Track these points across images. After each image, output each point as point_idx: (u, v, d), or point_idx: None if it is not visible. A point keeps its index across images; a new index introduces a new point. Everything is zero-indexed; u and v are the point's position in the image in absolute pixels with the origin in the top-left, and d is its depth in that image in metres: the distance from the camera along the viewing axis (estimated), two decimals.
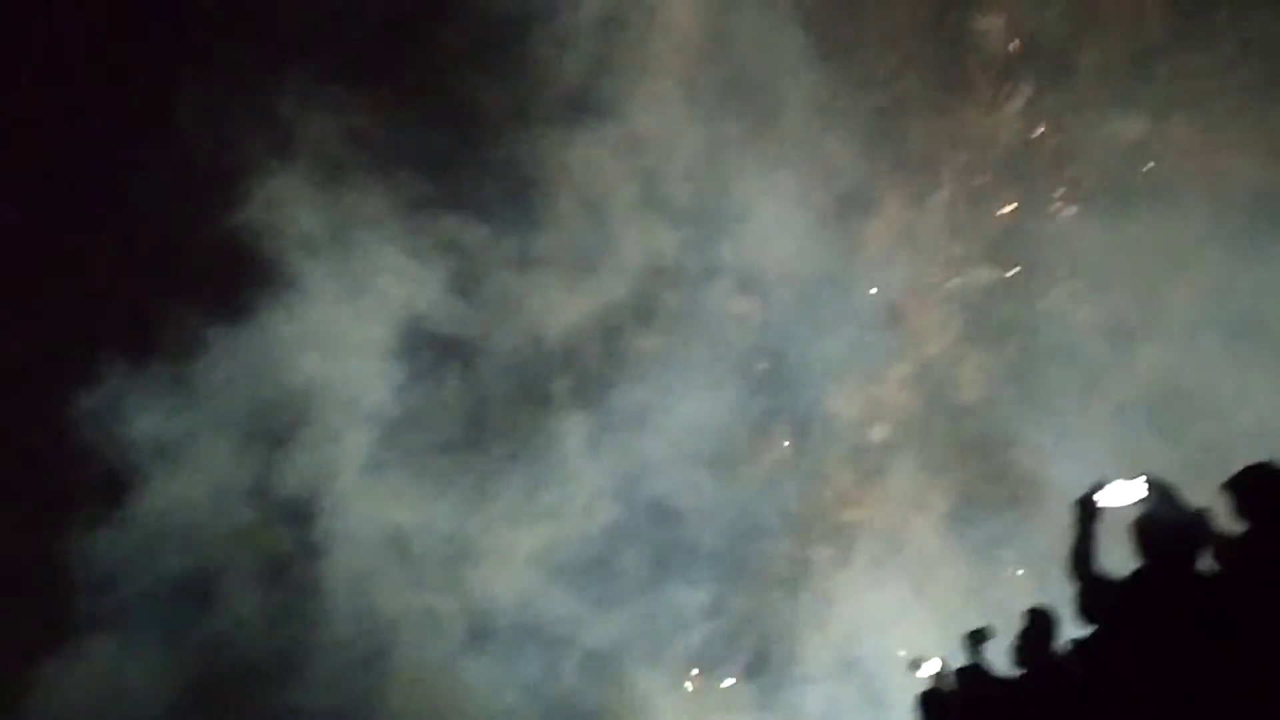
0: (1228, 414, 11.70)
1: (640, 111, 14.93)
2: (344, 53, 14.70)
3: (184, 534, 14.17)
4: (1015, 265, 14.82)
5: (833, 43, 15.03)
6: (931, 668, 8.30)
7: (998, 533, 13.95)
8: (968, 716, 7.36)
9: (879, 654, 13.41)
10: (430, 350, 15.29)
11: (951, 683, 7.78)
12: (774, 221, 14.70)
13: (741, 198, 14.99)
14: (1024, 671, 6.47)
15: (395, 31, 15.03)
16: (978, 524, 14.11)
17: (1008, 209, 14.95)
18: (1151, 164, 13.93)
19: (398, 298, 15.05)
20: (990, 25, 14.77)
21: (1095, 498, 4.95)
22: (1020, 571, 13.64)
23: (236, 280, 14.54)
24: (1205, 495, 4.81)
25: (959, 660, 7.53)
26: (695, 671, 15.06)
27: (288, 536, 14.71)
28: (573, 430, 15.18)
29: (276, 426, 14.70)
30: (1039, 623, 6.42)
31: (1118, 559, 4.85)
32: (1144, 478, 4.92)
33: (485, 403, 15.56)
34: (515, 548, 14.80)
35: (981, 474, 14.53)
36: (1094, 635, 4.95)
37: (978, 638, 7.33)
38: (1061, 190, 14.62)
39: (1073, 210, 14.55)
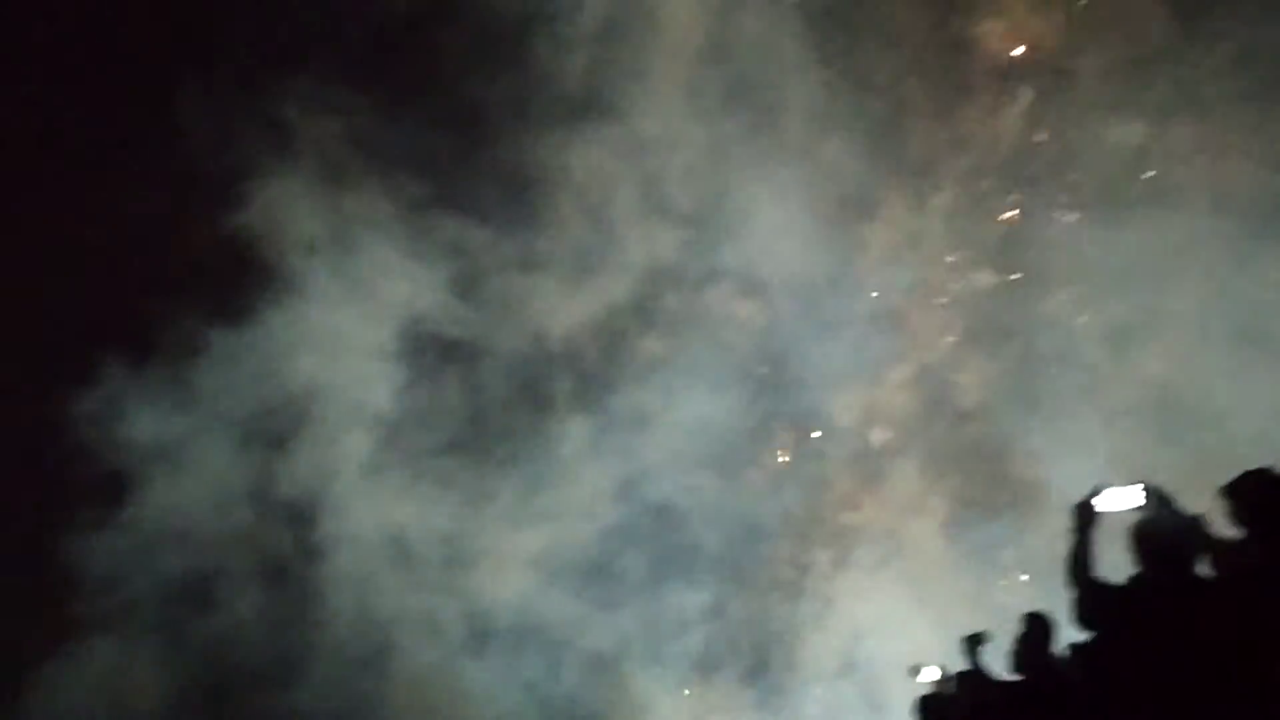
0: (1227, 420, 11.67)
1: (642, 114, 14.93)
2: (345, 54, 14.72)
3: (184, 536, 14.15)
4: (1016, 270, 14.82)
5: (834, 46, 15.04)
6: (931, 674, 8.31)
7: (997, 537, 13.96)
8: None
9: (878, 657, 13.42)
10: (431, 352, 15.30)
11: (950, 687, 7.78)
12: (775, 225, 14.70)
13: (743, 201, 15.00)
14: (1022, 676, 6.47)
15: (396, 33, 15.03)
16: (977, 528, 14.12)
17: (1009, 214, 14.96)
18: (1152, 170, 13.93)
19: (398, 299, 15.06)
20: (992, 30, 14.78)
21: (1093, 503, 4.95)
22: (1020, 576, 13.64)
23: (237, 281, 14.55)
24: (1204, 500, 4.81)
25: (958, 665, 7.53)
26: (695, 674, 15.05)
27: (288, 538, 14.69)
28: (573, 432, 15.19)
29: (277, 428, 14.70)
30: (1037, 627, 6.42)
31: (1116, 564, 4.85)
32: (1141, 484, 4.93)
33: (486, 405, 15.55)
34: (515, 550, 14.81)
35: (981, 478, 14.53)
36: (1092, 640, 4.95)
37: (975, 642, 7.33)
38: (1062, 196, 14.62)
39: (1073, 216, 14.55)
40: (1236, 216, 12.51)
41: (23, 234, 14.34)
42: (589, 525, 14.79)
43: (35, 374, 14.07)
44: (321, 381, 14.73)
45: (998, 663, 6.90)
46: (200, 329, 14.33)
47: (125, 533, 13.86)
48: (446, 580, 14.71)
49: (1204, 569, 4.71)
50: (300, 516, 14.63)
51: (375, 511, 14.68)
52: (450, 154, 14.87)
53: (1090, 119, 14.31)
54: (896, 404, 15.15)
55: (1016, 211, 14.95)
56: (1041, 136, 14.75)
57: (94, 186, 14.51)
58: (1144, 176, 14.01)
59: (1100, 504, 4.95)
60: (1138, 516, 4.85)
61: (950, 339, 15.08)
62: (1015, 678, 6.55)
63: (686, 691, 14.98)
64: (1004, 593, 13.54)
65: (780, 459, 15.63)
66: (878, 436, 15.22)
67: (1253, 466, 4.66)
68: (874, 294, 15.23)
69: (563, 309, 15.33)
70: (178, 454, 14.37)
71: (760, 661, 15.07)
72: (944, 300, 15.18)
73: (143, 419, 14.13)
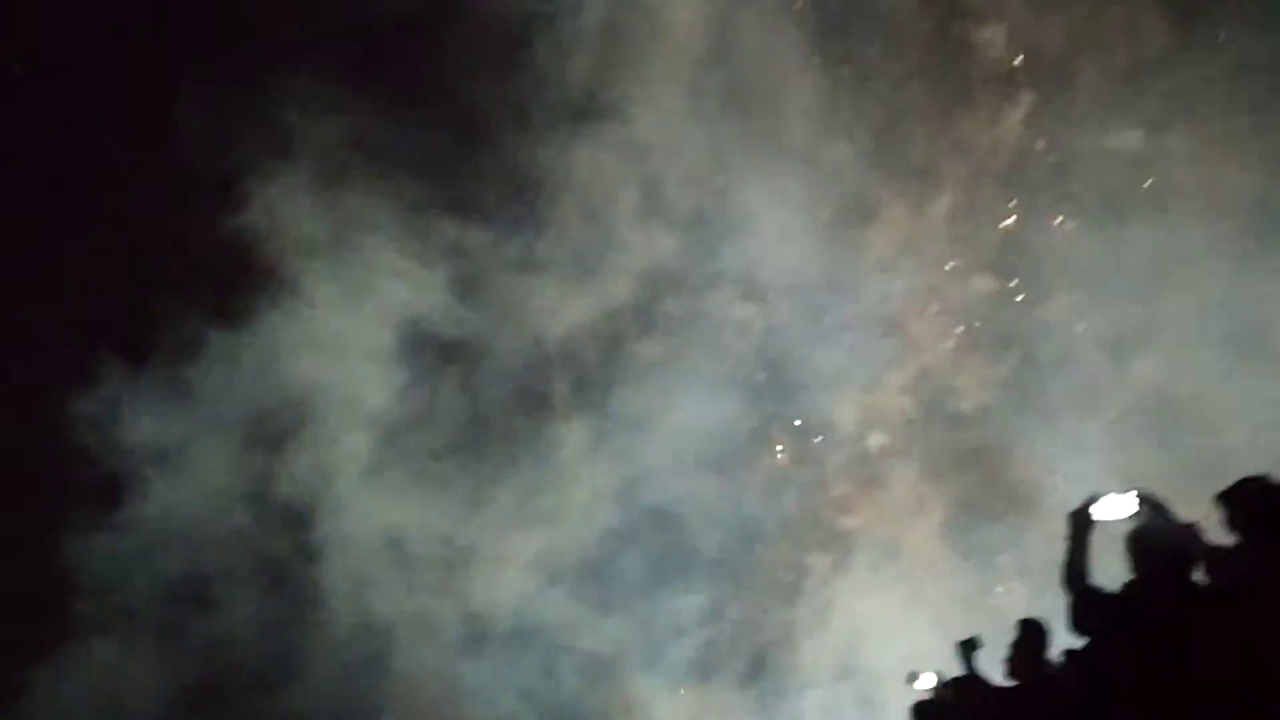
0: (1224, 426, 11.70)
1: (643, 117, 14.93)
2: (345, 55, 14.69)
3: (182, 538, 14.14)
4: (1015, 276, 14.84)
5: (835, 51, 15.06)
6: (928, 681, 8.31)
7: (995, 541, 13.97)
8: None
9: (876, 661, 13.42)
10: (430, 354, 15.28)
11: (945, 693, 7.79)
12: (775, 229, 14.72)
13: (743, 205, 15.00)
14: (1017, 682, 6.48)
15: (397, 34, 15.03)
16: (975, 532, 14.14)
17: (1008, 220, 14.97)
18: (1151, 177, 13.95)
19: (398, 301, 15.05)
20: (992, 37, 14.80)
21: (1088, 510, 4.97)
22: (1018, 580, 13.65)
23: (236, 283, 14.53)
24: (1200, 507, 4.83)
25: (954, 670, 7.53)
26: (693, 676, 15.05)
27: (286, 540, 14.68)
28: (572, 435, 15.20)
29: (276, 430, 14.69)
30: (1031, 633, 6.43)
31: (1112, 571, 4.87)
32: (1135, 492, 4.94)
33: (485, 407, 15.54)
34: (514, 552, 14.81)
35: (979, 483, 14.54)
36: (1087, 646, 4.96)
37: (968, 647, 7.33)
38: (1062, 202, 14.63)
39: (1073, 222, 14.56)
40: (1235, 224, 12.54)
41: (21, 234, 14.33)
42: (588, 527, 14.79)
43: (34, 374, 14.07)
44: (321, 383, 14.72)
45: (993, 669, 6.91)
46: (200, 330, 14.32)
47: (124, 534, 13.85)
48: (445, 582, 14.70)
49: (1199, 576, 4.72)
50: (299, 518, 14.62)
51: (374, 513, 14.67)
52: (451, 155, 14.88)
53: (1090, 127, 14.33)
54: (895, 408, 15.16)
55: (1016, 218, 14.96)
56: (1041, 143, 14.77)
57: (93, 187, 14.51)
58: (1143, 184, 14.03)
59: (1096, 511, 4.97)
60: (1134, 523, 4.86)
61: (949, 344, 15.08)
62: (1010, 684, 6.56)
63: (684, 694, 14.98)
64: (1002, 596, 13.57)
65: (778, 462, 15.63)
66: (876, 441, 15.22)
67: (1249, 474, 4.67)
68: (873, 299, 15.24)
69: (563, 311, 15.33)
70: (177, 455, 14.36)
71: (758, 664, 15.07)
72: (943, 305, 15.19)
73: (141, 421, 14.12)
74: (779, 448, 15.57)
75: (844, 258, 15.05)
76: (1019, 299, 14.80)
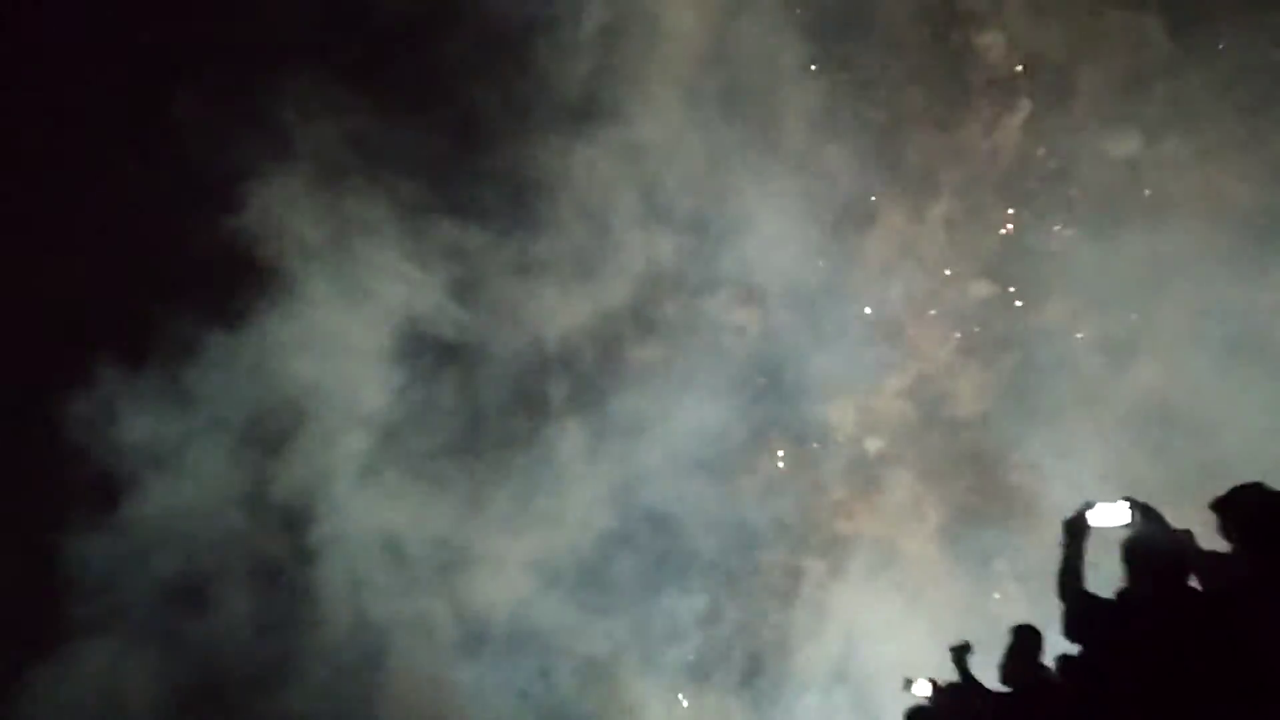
0: (1221, 433, 11.71)
1: (641, 120, 14.94)
2: (345, 57, 14.69)
3: (179, 538, 14.10)
4: (1013, 282, 14.86)
5: (835, 56, 15.09)
6: (923, 688, 8.30)
7: (992, 546, 13.99)
8: None
9: (872, 665, 13.43)
10: (428, 355, 15.27)
11: (940, 699, 7.79)
12: (774, 233, 14.73)
13: (742, 209, 15.02)
14: (1011, 688, 6.48)
15: (396, 36, 15.03)
16: (972, 537, 14.15)
17: (1007, 226, 14.99)
18: (1148, 184, 13.97)
19: (396, 302, 15.04)
20: (992, 43, 14.83)
21: (1083, 518, 4.98)
22: (1014, 585, 13.66)
23: (234, 284, 14.51)
24: (1196, 513, 4.83)
25: (949, 676, 7.53)
26: (689, 680, 15.05)
27: (283, 541, 14.67)
28: (570, 437, 15.19)
29: (273, 431, 14.67)
30: (1026, 639, 6.43)
31: (1107, 578, 4.87)
32: (1126, 500, 4.95)
33: (482, 409, 15.53)
34: (511, 554, 14.79)
35: (976, 488, 14.56)
36: (1081, 653, 4.96)
37: (961, 652, 7.34)
38: (1060, 209, 14.66)
39: (1070, 229, 14.59)
40: (1232, 231, 12.58)
41: (20, 234, 14.32)
42: (584, 530, 14.78)
43: (32, 375, 14.04)
44: (318, 384, 14.71)
45: (988, 674, 6.91)
46: (197, 331, 14.31)
47: (120, 535, 13.82)
48: (441, 584, 14.69)
49: (1194, 583, 4.73)
50: (296, 519, 14.60)
51: (371, 515, 14.66)
52: (449, 157, 14.88)
53: (1089, 133, 14.36)
54: (893, 413, 15.17)
55: (1014, 224, 14.98)
56: (1040, 150, 14.80)
57: (92, 187, 14.49)
58: (1141, 190, 14.06)
59: (1091, 518, 4.97)
60: (1129, 531, 4.87)
61: (947, 350, 15.10)
62: (1005, 689, 6.57)
63: (680, 697, 14.98)
64: (998, 601, 13.57)
65: (776, 466, 15.63)
66: (873, 445, 15.24)
67: (1245, 481, 4.68)
68: (871, 303, 15.25)
69: (561, 313, 15.33)
70: (173, 457, 14.34)
71: (754, 668, 15.06)
72: (941, 310, 15.20)
73: (138, 422, 14.11)
74: (778, 452, 15.58)
75: (843, 262, 15.08)
76: (1017, 305, 14.84)
